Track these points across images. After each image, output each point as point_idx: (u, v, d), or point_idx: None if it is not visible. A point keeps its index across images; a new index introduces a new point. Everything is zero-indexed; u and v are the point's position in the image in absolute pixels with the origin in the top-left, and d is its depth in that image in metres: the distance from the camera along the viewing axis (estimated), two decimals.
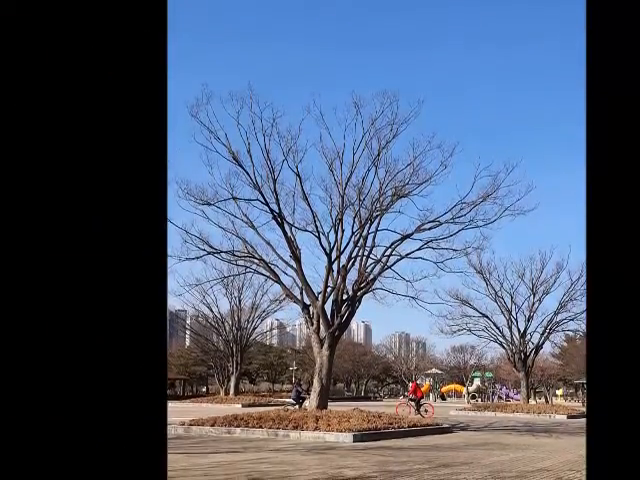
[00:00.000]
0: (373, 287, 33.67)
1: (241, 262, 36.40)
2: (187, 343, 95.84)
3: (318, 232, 32.34)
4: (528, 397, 55.97)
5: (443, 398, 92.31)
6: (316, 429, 23.94)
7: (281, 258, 33.09)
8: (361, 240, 32.52)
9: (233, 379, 67.05)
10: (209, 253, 34.32)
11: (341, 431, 23.31)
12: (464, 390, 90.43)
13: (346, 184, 32.26)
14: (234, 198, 31.80)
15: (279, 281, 33.54)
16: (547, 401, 78.16)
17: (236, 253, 34.72)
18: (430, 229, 32.91)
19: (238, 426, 25.32)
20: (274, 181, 31.44)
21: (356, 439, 22.56)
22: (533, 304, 54.24)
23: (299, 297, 32.88)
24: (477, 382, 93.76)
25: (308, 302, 32.23)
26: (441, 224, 32.67)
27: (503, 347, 56.40)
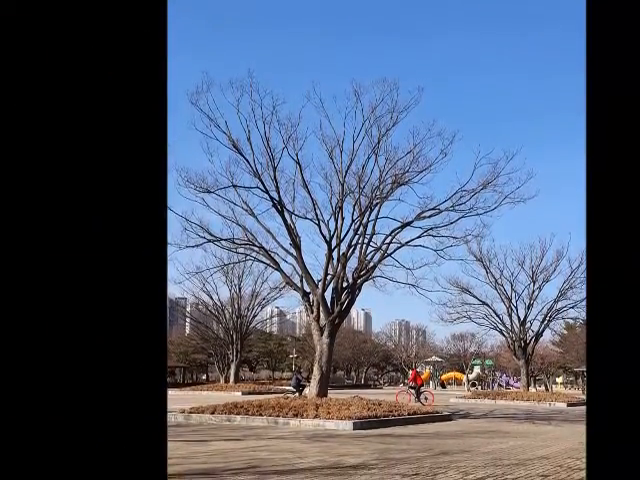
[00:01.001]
0: (373, 275, 33.71)
1: (241, 250, 36.41)
2: (187, 331, 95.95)
3: (318, 220, 32.36)
4: (528, 385, 56.04)
5: (443, 386, 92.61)
6: (316, 417, 23.97)
7: (281, 246, 33.12)
8: (361, 228, 32.52)
9: (233, 367, 67.18)
10: (209, 241, 34.32)
11: (341, 419, 23.33)
12: (464, 378, 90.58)
13: (346, 172, 32.28)
14: (234, 186, 31.80)
15: (279, 269, 33.55)
16: (547, 389, 78.42)
17: (236, 241, 34.71)
18: (430, 217, 32.93)
19: (238, 414, 25.34)
20: (274, 169, 31.44)
21: (356, 427, 22.59)
22: (533, 292, 54.38)
23: (299, 285, 32.89)
24: (477, 370, 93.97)
25: (308, 290, 32.24)
26: (441, 212, 32.70)
27: (503, 335, 56.51)
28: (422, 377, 48.40)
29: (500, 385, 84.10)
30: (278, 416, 24.51)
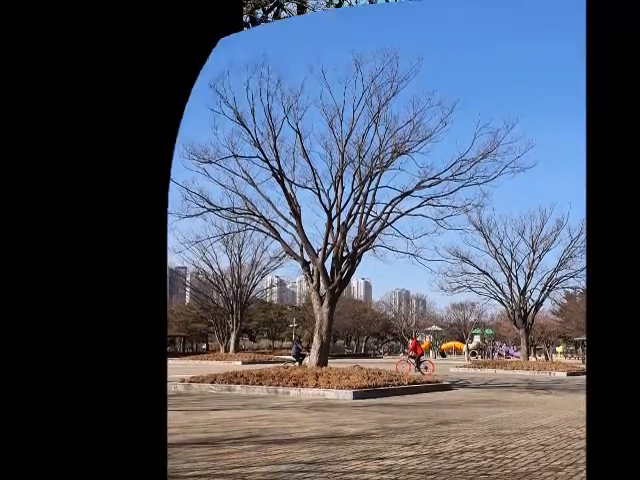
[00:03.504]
0: (373, 244, 33.75)
1: (241, 219, 36.51)
2: (187, 300, 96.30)
3: (318, 189, 32.38)
4: (528, 354, 56.20)
5: (443, 355, 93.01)
6: (316, 386, 24.03)
7: (281, 215, 33.17)
8: (361, 197, 32.48)
9: (233, 336, 67.40)
10: (209, 210, 34.41)
11: (341, 388, 23.39)
12: (464, 347, 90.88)
13: (346, 141, 32.26)
14: (235, 155, 31.82)
15: (279, 238, 33.62)
16: (547, 358, 78.62)
17: (236, 210, 34.76)
18: (430, 186, 32.91)
19: (238, 383, 25.43)
20: (274, 138, 31.47)
21: (356, 396, 22.66)
22: (533, 261, 54.40)
23: (299, 254, 32.97)
24: (477, 339, 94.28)
25: (308, 259, 32.29)
26: (441, 181, 32.70)
27: (503, 304, 56.61)
28: (422, 346, 48.45)
29: (500, 354, 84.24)
30: (278, 385, 24.59)
